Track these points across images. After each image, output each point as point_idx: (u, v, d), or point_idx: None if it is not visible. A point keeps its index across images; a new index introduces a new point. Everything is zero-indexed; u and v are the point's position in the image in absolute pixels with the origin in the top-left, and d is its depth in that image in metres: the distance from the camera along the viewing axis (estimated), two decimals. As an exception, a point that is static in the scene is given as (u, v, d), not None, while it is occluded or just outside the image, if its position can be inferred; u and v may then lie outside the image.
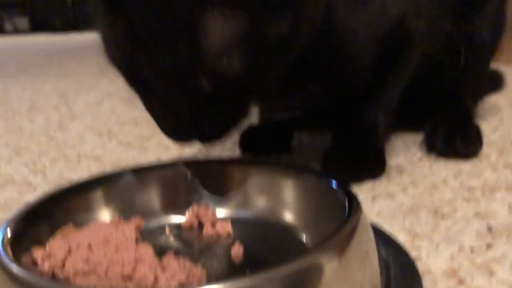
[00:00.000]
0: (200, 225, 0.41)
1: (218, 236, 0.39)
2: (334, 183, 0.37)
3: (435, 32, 0.58)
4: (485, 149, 0.62)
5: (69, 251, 0.32)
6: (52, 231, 0.34)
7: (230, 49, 0.34)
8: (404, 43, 0.53)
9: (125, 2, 0.35)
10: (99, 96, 1.16)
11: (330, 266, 0.28)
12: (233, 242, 0.37)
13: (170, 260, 0.31)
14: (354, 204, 0.33)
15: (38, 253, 0.32)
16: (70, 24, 4.54)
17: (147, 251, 0.32)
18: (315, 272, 0.27)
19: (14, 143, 0.77)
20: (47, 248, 0.33)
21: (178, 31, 0.33)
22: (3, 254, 0.29)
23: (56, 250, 0.32)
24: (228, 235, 0.39)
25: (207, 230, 0.40)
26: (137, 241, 0.33)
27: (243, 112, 0.40)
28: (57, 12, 4.75)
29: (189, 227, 0.41)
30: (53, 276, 0.31)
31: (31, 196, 0.54)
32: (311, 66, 0.43)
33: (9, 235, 0.31)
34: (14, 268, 0.27)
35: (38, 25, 4.81)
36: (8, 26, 4.83)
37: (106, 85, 1.31)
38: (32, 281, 0.26)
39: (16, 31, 4.74)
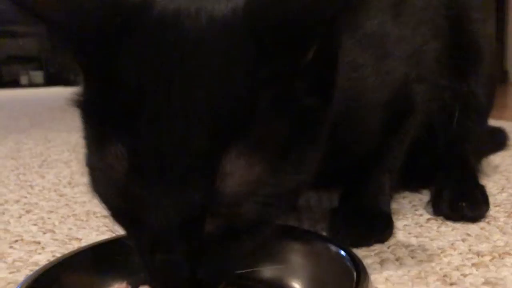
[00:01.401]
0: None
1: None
2: (342, 250, 0.37)
3: (434, 94, 0.59)
4: (493, 210, 0.61)
5: None
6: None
7: (245, 195, 0.31)
8: (407, 107, 0.55)
9: (124, 128, 0.30)
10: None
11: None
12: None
13: None
14: (361, 273, 0.33)
15: None
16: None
17: None
18: None
19: (24, 200, 0.78)
20: None
21: (193, 170, 0.29)
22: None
23: None
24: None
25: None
26: None
27: (245, 256, 0.35)
28: (70, 67, 4.91)
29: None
30: None
31: (39, 257, 0.54)
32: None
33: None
34: None
35: (53, 79, 4.97)
36: (23, 80, 5.00)
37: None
38: None
39: (31, 85, 4.90)
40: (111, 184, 0.31)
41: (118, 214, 0.34)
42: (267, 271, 0.41)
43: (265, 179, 0.31)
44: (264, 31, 0.29)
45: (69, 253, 0.40)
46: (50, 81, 4.94)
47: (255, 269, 0.36)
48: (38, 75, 5.05)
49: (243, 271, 0.35)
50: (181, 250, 0.31)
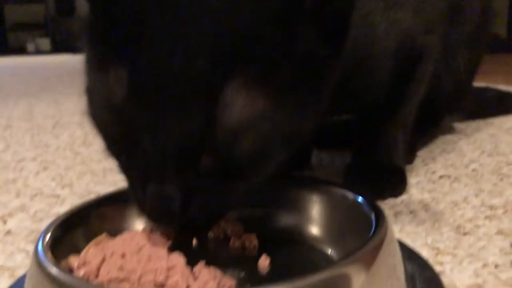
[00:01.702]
0: (226, 238, 0.42)
1: (244, 249, 0.40)
2: (360, 197, 0.38)
3: (440, 46, 0.59)
4: (505, 169, 0.62)
5: (103, 259, 0.33)
6: (87, 240, 0.36)
7: (246, 128, 0.30)
8: (416, 57, 0.54)
9: (127, 50, 0.29)
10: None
11: (358, 278, 0.28)
12: (259, 255, 0.38)
13: (201, 269, 0.32)
14: (380, 218, 0.34)
15: (74, 261, 0.34)
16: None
17: (179, 260, 0.33)
18: (343, 282, 0.28)
19: (41, 158, 0.80)
20: (82, 256, 0.34)
21: (193, 95, 0.28)
22: (44, 258, 0.30)
23: (91, 258, 0.33)
24: (254, 247, 0.40)
25: (234, 243, 0.41)
26: (168, 250, 0.34)
27: (238, 198, 0.34)
28: (77, 34, 4.87)
29: (215, 239, 0.42)
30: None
31: (60, 208, 0.56)
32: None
33: (48, 240, 0.33)
34: (55, 271, 0.29)
35: (59, 46, 4.95)
36: (30, 47, 4.98)
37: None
38: (73, 284, 0.27)
39: (38, 52, 4.88)
40: (109, 108, 0.31)
41: (113, 141, 0.33)
42: (283, 219, 0.42)
43: (267, 114, 0.30)
44: None
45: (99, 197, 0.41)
46: (57, 48, 4.92)
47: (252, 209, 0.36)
48: (45, 42, 5.02)
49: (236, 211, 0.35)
50: (175, 181, 0.30)
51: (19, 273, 0.40)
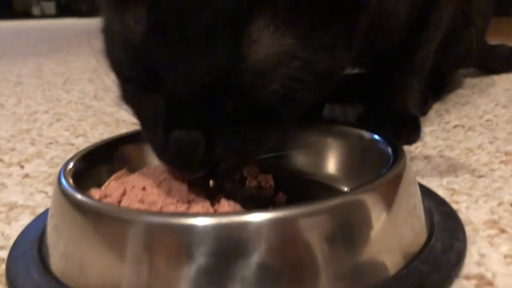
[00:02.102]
0: (242, 179, 0.42)
1: (260, 189, 0.41)
2: (376, 136, 0.38)
3: None
4: (521, 118, 0.61)
5: (124, 192, 0.34)
6: (108, 174, 0.36)
7: (273, 66, 0.28)
8: (433, 3, 0.53)
9: None
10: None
11: (375, 206, 0.28)
12: (276, 194, 0.39)
13: (222, 202, 0.33)
14: (399, 153, 0.34)
15: (95, 193, 0.34)
16: (96, 9, 4.59)
17: (199, 193, 0.33)
18: (361, 209, 0.28)
19: (53, 110, 0.80)
20: (103, 189, 0.35)
21: (218, 30, 0.26)
22: (67, 184, 0.30)
23: (112, 191, 0.34)
24: (270, 187, 0.41)
25: (250, 182, 0.41)
26: (188, 184, 0.35)
27: (265, 145, 0.32)
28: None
29: (231, 180, 0.42)
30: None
31: (76, 155, 0.56)
32: None
33: (71, 169, 0.33)
34: (73, 193, 0.29)
35: (65, 10, 4.88)
36: (35, 10, 4.93)
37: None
38: (93, 206, 0.28)
39: (44, 15, 4.83)
40: (127, 47, 0.29)
41: (130, 84, 0.31)
42: (300, 160, 0.43)
43: (296, 52, 0.28)
44: None
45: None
46: (62, 12, 4.85)
47: (276, 154, 0.33)
48: (50, 6, 4.96)
49: (264, 156, 0.33)
50: (199, 124, 0.28)
51: (40, 211, 0.41)
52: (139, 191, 0.33)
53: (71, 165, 0.34)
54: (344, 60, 0.33)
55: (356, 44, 0.34)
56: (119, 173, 0.37)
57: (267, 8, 0.27)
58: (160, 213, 0.30)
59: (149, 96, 0.30)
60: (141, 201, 0.33)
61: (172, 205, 0.32)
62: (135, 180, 0.34)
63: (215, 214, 0.30)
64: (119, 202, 0.33)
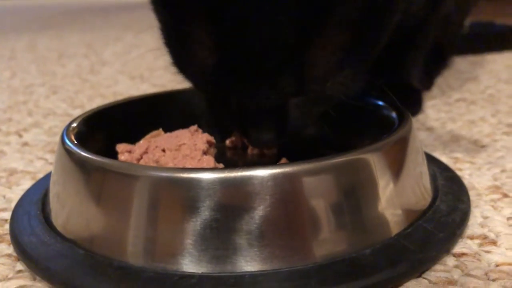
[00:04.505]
0: (244, 148, 0.42)
1: (263, 156, 0.40)
2: (381, 102, 0.38)
3: None
4: (522, 93, 0.61)
5: (146, 151, 0.34)
6: (109, 139, 0.36)
7: (327, 80, 0.32)
8: None
9: (210, 18, 0.30)
10: (126, 47, 1.17)
11: (381, 166, 0.28)
12: (279, 158, 0.38)
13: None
14: (405, 117, 0.34)
15: (120, 147, 0.35)
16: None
17: (208, 163, 0.33)
18: (365, 166, 0.28)
19: (49, 83, 0.79)
20: (132, 145, 0.35)
21: (284, 64, 0.30)
22: (69, 141, 0.30)
23: (137, 148, 0.34)
24: (273, 154, 0.40)
25: (251, 150, 0.41)
26: (204, 153, 0.34)
27: (315, 118, 0.37)
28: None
29: (233, 147, 0.42)
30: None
31: (74, 125, 0.55)
32: None
33: (74, 126, 0.33)
34: (77, 150, 0.29)
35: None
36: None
37: (131, 38, 1.32)
38: (97, 162, 0.27)
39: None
40: (198, 71, 0.32)
41: (204, 91, 0.35)
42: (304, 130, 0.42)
43: (343, 65, 0.31)
44: None
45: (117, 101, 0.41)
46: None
47: None
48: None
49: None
50: (271, 123, 0.33)
51: (40, 176, 0.41)
52: (158, 151, 0.34)
53: (74, 124, 0.33)
54: (377, 53, 0.35)
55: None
56: (154, 132, 0.37)
57: (318, 34, 0.30)
58: (165, 168, 0.30)
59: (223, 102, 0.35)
60: (156, 161, 0.33)
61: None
62: (160, 141, 0.35)
63: (220, 169, 0.29)
64: (138, 160, 0.34)
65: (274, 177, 0.25)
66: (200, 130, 0.36)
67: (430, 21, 0.55)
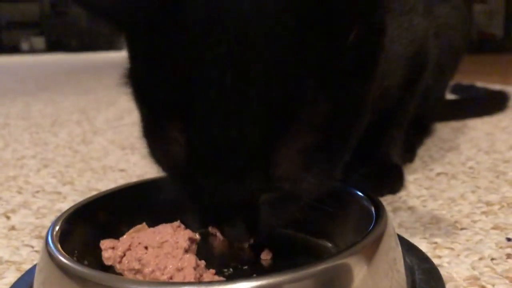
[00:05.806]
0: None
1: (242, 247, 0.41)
2: (359, 192, 0.39)
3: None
4: (501, 166, 0.63)
5: (129, 248, 0.35)
6: (96, 235, 0.37)
7: (294, 179, 0.32)
8: (424, 62, 0.55)
9: (181, 115, 0.31)
10: (119, 112, 1.19)
11: (359, 269, 0.29)
12: (262, 249, 0.39)
13: (208, 275, 0.33)
14: (380, 211, 0.35)
15: (104, 243, 0.36)
16: (85, 44, 4.65)
17: (189, 262, 0.33)
18: (344, 273, 0.29)
19: (41, 156, 0.80)
20: (116, 240, 0.36)
21: (249, 163, 0.31)
22: (54, 249, 0.31)
23: (120, 244, 0.35)
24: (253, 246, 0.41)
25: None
26: (185, 251, 0.35)
27: (290, 216, 0.37)
28: (72, 33, 4.86)
29: (215, 234, 0.43)
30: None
31: (62, 205, 0.56)
32: None
33: (57, 232, 0.34)
34: (66, 261, 0.29)
35: (54, 45, 4.93)
36: (24, 46, 4.96)
37: (124, 102, 1.34)
38: (83, 274, 0.28)
39: (32, 50, 4.87)
40: (171, 164, 0.34)
41: (177, 183, 0.36)
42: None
43: (310, 165, 0.32)
44: (310, 19, 0.29)
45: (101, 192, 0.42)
46: (51, 47, 4.90)
47: None
48: (39, 41, 5.01)
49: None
50: (241, 219, 0.34)
51: (25, 267, 0.41)
52: (141, 249, 0.34)
53: (57, 228, 0.34)
54: (355, 143, 0.36)
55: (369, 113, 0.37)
56: (138, 226, 0.38)
57: (285, 133, 0.31)
58: (143, 282, 0.30)
59: (195, 195, 0.35)
60: (139, 260, 0.34)
61: (160, 271, 0.33)
62: (143, 237, 0.35)
63: (199, 282, 0.30)
64: (121, 257, 0.35)
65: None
66: (182, 226, 0.37)
67: (409, 100, 0.58)
